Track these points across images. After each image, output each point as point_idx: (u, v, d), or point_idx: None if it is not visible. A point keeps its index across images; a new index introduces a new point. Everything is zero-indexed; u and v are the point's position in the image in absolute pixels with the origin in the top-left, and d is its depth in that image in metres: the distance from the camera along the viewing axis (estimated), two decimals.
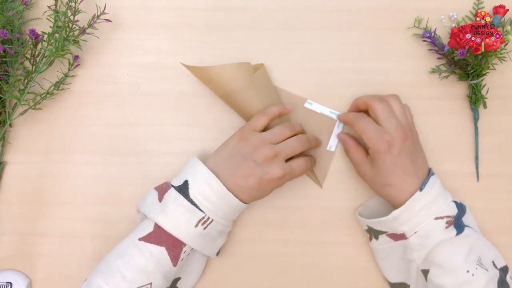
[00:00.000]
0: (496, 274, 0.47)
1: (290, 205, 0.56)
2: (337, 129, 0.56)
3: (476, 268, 0.46)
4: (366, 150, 0.51)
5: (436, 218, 0.47)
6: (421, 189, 0.47)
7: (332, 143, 0.56)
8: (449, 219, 0.47)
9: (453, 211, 0.48)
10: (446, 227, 0.47)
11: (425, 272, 0.48)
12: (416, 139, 0.51)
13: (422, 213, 0.47)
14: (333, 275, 0.55)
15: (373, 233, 0.52)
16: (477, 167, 0.56)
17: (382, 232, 0.50)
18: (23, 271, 0.55)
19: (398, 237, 0.49)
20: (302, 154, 0.52)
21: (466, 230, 0.48)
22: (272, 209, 0.56)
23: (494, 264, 0.48)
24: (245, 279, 0.55)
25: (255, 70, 0.54)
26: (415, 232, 0.47)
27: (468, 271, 0.45)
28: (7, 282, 0.54)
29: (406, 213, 0.47)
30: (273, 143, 0.49)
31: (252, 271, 0.55)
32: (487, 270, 0.46)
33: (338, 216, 0.56)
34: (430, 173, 0.49)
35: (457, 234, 0.47)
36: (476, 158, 0.56)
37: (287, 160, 0.50)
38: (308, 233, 0.55)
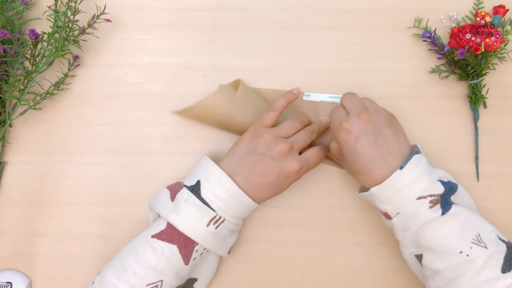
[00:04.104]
0: (502, 248, 0.43)
1: (290, 205, 0.56)
2: None
3: (471, 248, 0.42)
4: None
5: (419, 198, 0.44)
6: (401, 168, 0.45)
7: None
8: (433, 198, 0.44)
9: (439, 189, 0.45)
10: (431, 207, 0.44)
11: (419, 258, 0.46)
12: (386, 122, 0.48)
13: (403, 192, 0.45)
14: (333, 275, 0.55)
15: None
16: (477, 167, 0.56)
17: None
18: (23, 271, 0.55)
19: (385, 215, 0.48)
20: (312, 144, 0.53)
21: (453, 208, 0.44)
22: (272, 208, 0.56)
23: (500, 239, 0.44)
24: (244, 279, 0.55)
25: (235, 87, 0.54)
26: (397, 213, 0.46)
27: (461, 252, 0.42)
28: (7, 282, 0.54)
29: (386, 192, 0.45)
30: (285, 137, 0.50)
31: (251, 270, 0.55)
32: (486, 247, 0.43)
33: (338, 216, 0.56)
34: (414, 151, 0.47)
35: (443, 213, 0.44)
36: (476, 158, 0.56)
37: (301, 152, 0.51)
38: (308, 233, 0.55)
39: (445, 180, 0.47)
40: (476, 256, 0.42)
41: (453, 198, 0.46)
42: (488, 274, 0.41)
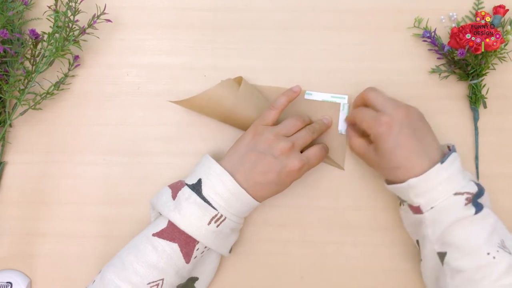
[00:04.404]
0: None
1: (290, 205, 0.56)
2: (343, 111, 0.56)
3: (498, 251, 0.43)
4: (369, 140, 0.50)
5: (456, 194, 0.44)
6: (442, 162, 0.45)
7: (342, 127, 0.56)
8: (468, 195, 0.45)
9: (473, 188, 0.45)
10: (465, 204, 0.44)
11: (442, 255, 0.46)
12: (420, 117, 0.49)
13: (441, 187, 0.45)
14: (333, 275, 0.55)
15: (400, 199, 0.51)
16: (477, 167, 0.56)
17: (404, 201, 0.49)
18: (23, 271, 0.55)
19: (415, 209, 0.47)
20: (312, 143, 0.53)
21: (485, 209, 0.45)
22: (273, 208, 0.56)
23: None
24: (244, 279, 0.55)
25: (238, 82, 0.54)
26: (431, 208, 0.45)
27: (488, 253, 0.43)
28: (7, 282, 0.54)
29: (423, 184, 0.45)
30: (287, 135, 0.50)
31: (251, 270, 0.55)
32: (510, 253, 0.43)
33: (338, 216, 0.56)
34: (452, 149, 0.47)
35: (476, 212, 0.44)
36: (476, 158, 0.56)
37: (302, 151, 0.51)
38: (308, 233, 0.55)
39: (476, 181, 0.48)
40: (501, 260, 0.43)
41: (479, 201, 0.47)
42: (511, 279, 0.42)
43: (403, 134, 0.46)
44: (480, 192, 0.46)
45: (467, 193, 0.45)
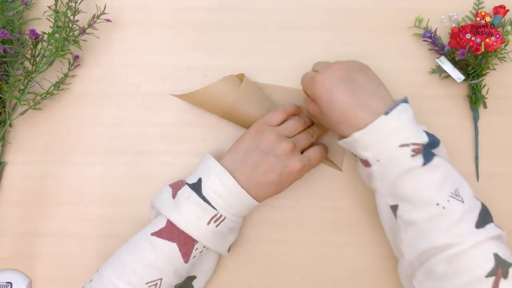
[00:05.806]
0: (477, 205, 0.43)
1: (290, 205, 0.56)
2: None
3: (448, 201, 0.42)
4: None
5: (401, 146, 0.43)
6: (386, 113, 0.44)
7: None
8: (416, 146, 0.43)
9: (423, 139, 0.44)
10: (412, 155, 0.43)
11: (394, 208, 0.45)
12: (362, 70, 0.48)
13: (386, 139, 0.44)
14: (333, 275, 0.55)
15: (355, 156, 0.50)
16: (477, 167, 0.56)
17: (355, 155, 0.49)
18: (23, 271, 0.55)
19: (365, 163, 0.47)
20: (312, 144, 0.53)
21: (435, 159, 0.44)
22: (272, 209, 0.56)
23: (476, 198, 0.45)
24: (244, 279, 0.55)
25: (240, 79, 0.55)
26: (377, 160, 0.45)
27: (438, 204, 0.42)
28: (7, 282, 0.54)
29: (368, 137, 0.44)
30: (288, 136, 0.50)
31: (251, 271, 0.55)
32: (462, 201, 0.42)
33: (338, 216, 0.56)
34: (402, 99, 0.46)
35: (424, 163, 0.43)
36: (476, 158, 0.56)
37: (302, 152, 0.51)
38: (308, 233, 0.55)
39: (430, 133, 0.46)
40: (453, 209, 0.42)
41: (433, 151, 0.46)
42: (463, 228, 0.42)
43: (336, 89, 0.46)
44: (434, 142, 0.45)
45: (414, 144, 0.43)
